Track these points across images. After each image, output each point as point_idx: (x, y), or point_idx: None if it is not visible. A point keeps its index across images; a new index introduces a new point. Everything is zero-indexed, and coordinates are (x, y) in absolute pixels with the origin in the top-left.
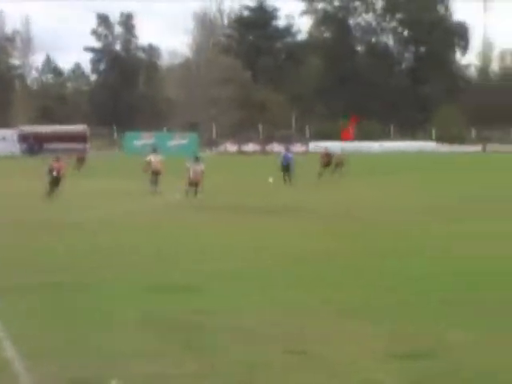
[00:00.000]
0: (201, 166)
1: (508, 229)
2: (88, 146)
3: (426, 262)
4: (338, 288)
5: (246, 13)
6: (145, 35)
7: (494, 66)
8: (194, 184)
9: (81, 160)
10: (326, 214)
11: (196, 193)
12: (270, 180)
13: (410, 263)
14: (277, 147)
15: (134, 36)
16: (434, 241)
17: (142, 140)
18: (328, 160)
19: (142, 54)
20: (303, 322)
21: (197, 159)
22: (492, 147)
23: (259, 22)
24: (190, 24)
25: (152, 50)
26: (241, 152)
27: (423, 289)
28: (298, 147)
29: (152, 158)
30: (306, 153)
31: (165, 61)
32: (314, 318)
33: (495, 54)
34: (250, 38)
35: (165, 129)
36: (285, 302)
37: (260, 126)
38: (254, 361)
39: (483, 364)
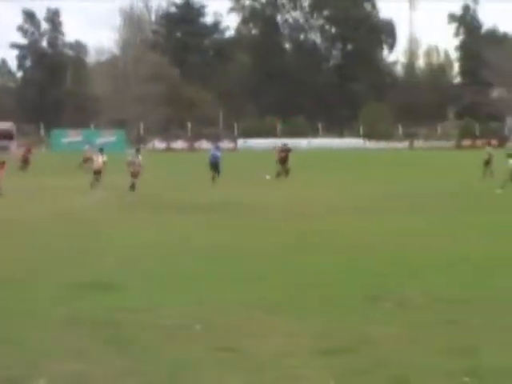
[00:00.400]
0: (139, 159)
1: (428, 224)
2: (15, 143)
3: (345, 257)
4: (264, 284)
5: (173, 9)
6: (71, 32)
7: (420, 63)
8: (135, 175)
9: (25, 160)
10: (255, 211)
11: (133, 186)
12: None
13: (331, 259)
14: (205, 144)
15: (60, 32)
16: (355, 236)
17: (69, 137)
18: (285, 155)
19: (68, 51)
20: (230, 319)
21: (138, 150)
22: (418, 144)
23: (186, 19)
24: (117, 20)
25: (79, 47)
26: (169, 149)
27: (347, 284)
28: (226, 144)
29: (95, 157)
30: (235, 150)
31: (92, 57)
32: (240, 314)
33: (421, 51)
34: (178, 34)
35: (92, 126)
36: (211, 299)
37: (188, 123)
38: (180, 358)
39: (404, 359)
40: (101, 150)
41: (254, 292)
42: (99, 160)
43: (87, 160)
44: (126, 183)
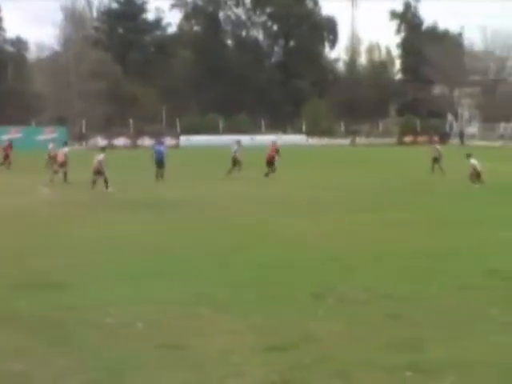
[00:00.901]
0: (101, 157)
1: (369, 220)
2: None
3: (287, 254)
4: (206, 281)
5: (114, 6)
6: (12, 28)
7: (362, 60)
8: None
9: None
10: (201, 208)
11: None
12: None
13: (273, 256)
14: (148, 141)
15: (1, 29)
16: (296, 234)
17: (10, 135)
18: (274, 156)
19: (9, 47)
20: (173, 316)
21: (103, 150)
22: (360, 140)
23: (128, 15)
24: (59, 16)
25: (20, 43)
26: (111, 146)
27: (289, 281)
28: (168, 141)
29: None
30: (177, 147)
31: (33, 54)
32: (184, 312)
33: (363, 48)
34: (120, 31)
35: (33, 123)
36: (155, 296)
37: (131, 120)
38: (123, 356)
39: (347, 355)
40: (65, 144)
41: (196, 289)
42: (61, 154)
43: (53, 158)
44: (74, 180)
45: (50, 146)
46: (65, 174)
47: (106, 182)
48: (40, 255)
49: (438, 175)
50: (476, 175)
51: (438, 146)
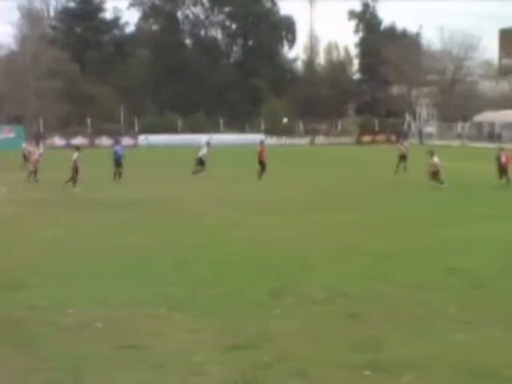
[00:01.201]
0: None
1: (328, 220)
2: None
3: (247, 253)
4: (165, 281)
5: (71, 4)
6: None
7: (321, 60)
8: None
9: None
10: (160, 208)
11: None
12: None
13: (233, 255)
14: (105, 141)
15: None
16: (256, 233)
17: None
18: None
19: None
20: (132, 316)
21: (78, 149)
22: (319, 139)
23: (86, 14)
24: (15, 15)
25: None
26: (69, 146)
27: (249, 280)
28: (127, 141)
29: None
30: (136, 146)
31: None
32: (144, 312)
33: (321, 47)
34: (77, 30)
35: None
36: (115, 296)
37: (88, 120)
38: (82, 356)
39: (306, 353)
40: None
41: (156, 289)
42: (36, 153)
43: (28, 156)
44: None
45: (23, 145)
46: (35, 173)
47: (74, 181)
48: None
49: (401, 174)
50: (435, 173)
51: (406, 145)
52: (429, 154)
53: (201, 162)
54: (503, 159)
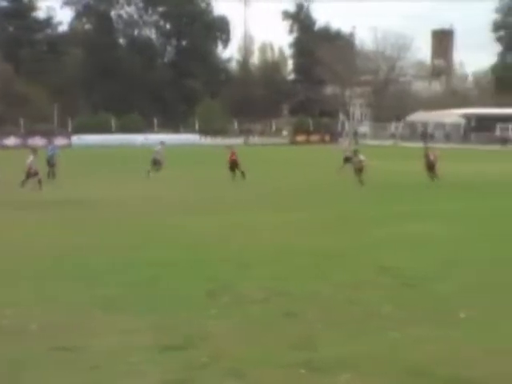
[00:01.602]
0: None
1: (267, 220)
2: None
3: (183, 253)
4: (102, 282)
5: (3, 3)
6: None
7: (255, 60)
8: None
9: None
10: (98, 208)
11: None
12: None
13: (168, 255)
14: (39, 141)
15: None
16: (192, 233)
17: None
18: (236, 159)
19: None
20: (67, 317)
21: (34, 151)
22: (254, 139)
23: (18, 13)
24: None
25: None
26: (1, 146)
27: (184, 280)
28: (60, 141)
29: None
30: (69, 146)
31: None
32: (79, 313)
33: (256, 47)
34: (10, 29)
35: None
36: (50, 297)
37: (21, 120)
38: (16, 358)
39: (242, 353)
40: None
41: (92, 290)
42: None
43: None
44: None
45: None
46: None
47: (39, 182)
48: None
49: (343, 175)
50: (359, 170)
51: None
52: (353, 153)
53: (155, 163)
54: (431, 157)
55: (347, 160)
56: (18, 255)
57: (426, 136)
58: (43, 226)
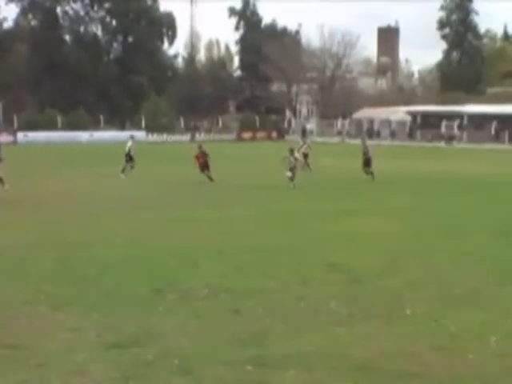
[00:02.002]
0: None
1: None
2: None
3: (128, 251)
4: (46, 280)
5: None
6: None
7: (201, 57)
8: None
9: None
10: (34, 205)
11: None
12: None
13: (114, 252)
14: None
15: None
16: (137, 229)
17: None
18: (204, 161)
19: None
20: (14, 315)
21: None
22: (200, 136)
23: None
24: None
25: None
26: None
27: (130, 278)
28: (5, 138)
29: None
30: (15, 143)
31: None
32: (24, 311)
33: (202, 44)
34: None
35: None
36: None
37: None
38: None
39: (189, 350)
40: None
41: (37, 288)
42: None
43: None
44: None
45: None
46: None
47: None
48: None
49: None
50: (292, 169)
51: (309, 142)
52: (289, 152)
53: (131, 159)
54: (370, 154)
55: (306, 157)
56: None
57: (372, 133)
58: None
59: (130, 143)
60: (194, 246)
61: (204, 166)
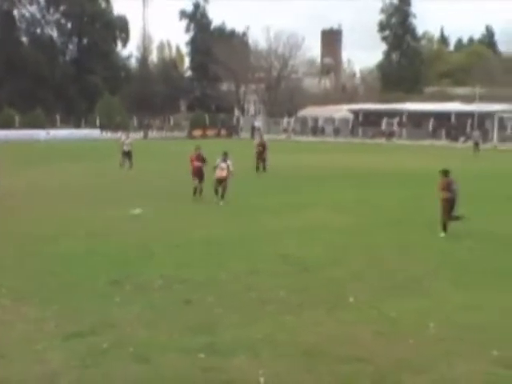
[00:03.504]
0: None
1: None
2: None
3: (85, 244)
4: (8, 274)
5: None
6: None
7: (154, 58)
8: None
9: None
10: None
11: None
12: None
13: (72, 246)
14: None
15: None
16: (93, 224)
17: None
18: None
19: None
20: None
21: None
22: (153, 134)
23: None
24: None
25: None
26: None
27: (88, 270)
28: None
29: None
30: None
31: None
32: None
33: (154, 45)
34: None
35: None
36: None
37: None
38: None
39: (145, 339)
40: None
41: (0, 281)
42: None
43: None
44: None
45: None
46: None
47: None
48: None
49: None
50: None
51: (266, 140)
52: (222, 156)
53: (128, 155)
54: (261, 148)
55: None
56: None
57: (316, 130)
58: None
59: (128, 140)
60: (150, 239)
61: (198, 173)
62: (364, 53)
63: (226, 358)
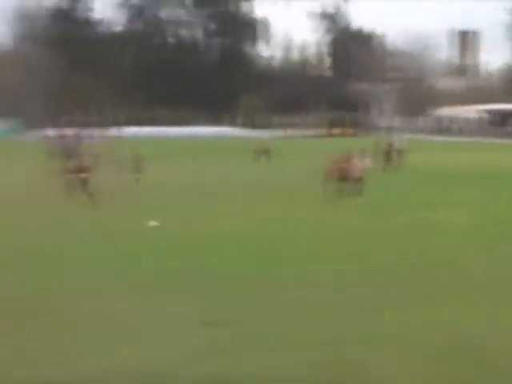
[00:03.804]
0: None
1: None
2: None
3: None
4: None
5: None
6: None
7: (295, 57)
8: None
9: None
10: None
11: None
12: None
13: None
14: None
15: None
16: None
17: None
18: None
19: None
20: None
21: None
22: (292, 132)
23: None
24: None
25: None
26: None
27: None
28: None
29: None
30: None
31: None
32: None
33: (295, 45)
34: None
35: None
36: None
37: None
38: None
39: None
40: None
41: None
42: None
43: None
44: None
45: None
46: None
47: None
48: None
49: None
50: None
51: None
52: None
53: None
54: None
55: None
56: None
57: (451, 130)
58: None
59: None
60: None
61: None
62: (502, 54)
63: None
